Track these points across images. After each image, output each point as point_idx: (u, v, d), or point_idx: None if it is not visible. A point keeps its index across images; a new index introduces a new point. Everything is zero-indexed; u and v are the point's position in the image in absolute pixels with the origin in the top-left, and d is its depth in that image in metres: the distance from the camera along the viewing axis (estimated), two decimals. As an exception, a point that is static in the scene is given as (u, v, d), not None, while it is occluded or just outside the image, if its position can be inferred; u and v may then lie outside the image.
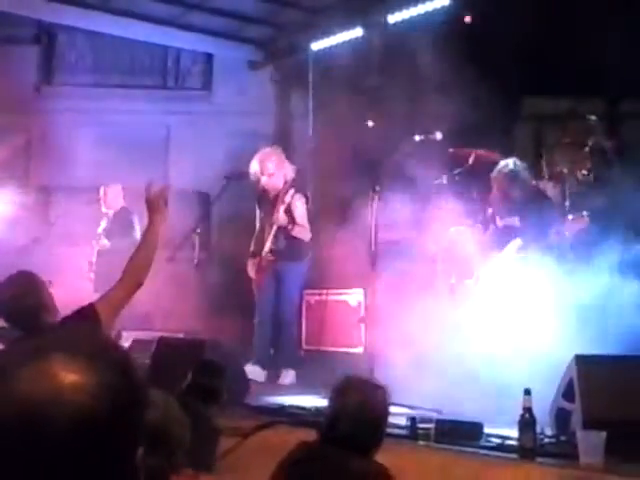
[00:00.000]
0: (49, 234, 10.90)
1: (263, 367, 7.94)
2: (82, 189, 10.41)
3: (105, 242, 9.25)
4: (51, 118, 11.31)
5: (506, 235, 7.23)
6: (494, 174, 7.33)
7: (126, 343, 7.11)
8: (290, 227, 7.93)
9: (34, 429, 1.20)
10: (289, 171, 8.10)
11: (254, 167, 8.05)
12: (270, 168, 8.00)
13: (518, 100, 10.06)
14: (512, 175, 7.23)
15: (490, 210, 7.52)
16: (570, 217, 6.84)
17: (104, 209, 9.59)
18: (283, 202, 7.93)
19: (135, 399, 1.29)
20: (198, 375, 4.54)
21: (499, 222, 7.40)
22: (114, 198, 9.57)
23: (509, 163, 7.30)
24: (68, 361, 1.24)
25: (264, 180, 8.03)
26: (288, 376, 7.94)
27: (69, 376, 1.23)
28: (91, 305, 4.00)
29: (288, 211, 7.93)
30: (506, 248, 7.17)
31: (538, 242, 6.93)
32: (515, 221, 7.24)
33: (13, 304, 4.03)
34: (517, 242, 7.13)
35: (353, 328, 8.48)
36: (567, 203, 7.17)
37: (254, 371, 7.71)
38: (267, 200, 8.16)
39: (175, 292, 8.60)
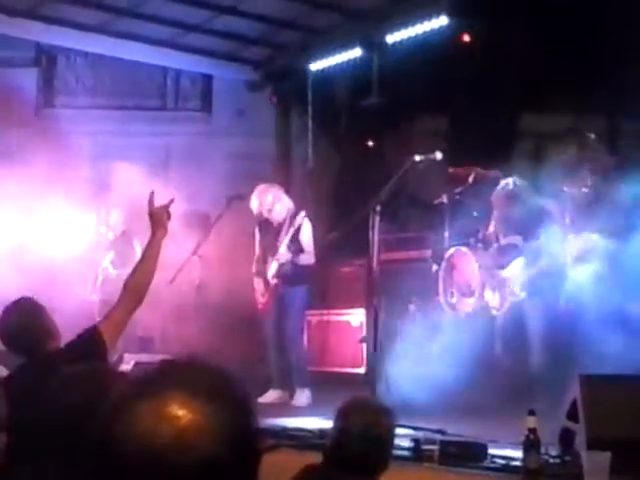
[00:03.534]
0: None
1: (283, 389, 7.97)
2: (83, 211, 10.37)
3: (112, 271, 9.15)
4: (51, 140, 11.31)
5: (509, 254, 7.28)
6: (494, 194, 7.40)
7: (128, 366, 7.06)
8: (296, 258, 7.93)
9: (157, 472, 1.15)
10: (288, 204, 8.15)
11: (254, 204, 8.12)
12: (269, 204, 8.06)
13: (517, 117, 10.06)
14: (512, 194, 7.32)
15: (492, 229, 7.55)
16: (571, 236, 6.87)
17: (103, 230, 9.54)
18: (292, 225, 7.94)
19: (254, 439, 1.24)
20: None
21: (502, 240, 7.44)
22: (116, 221, 9.52)
23: (509, 183, 7.38)
24: (186, 401, 1.18)
25: (265, 214, 8.09)
26: (303, 396, 7.88)
27: (190, 418, 1.17)
28: (94, 327, 3.95)
29: (296, 238, 7.93)
30: (509, 266, 7.21)
31: (540, 260, 6.99)
32: (517, 240, 7.28)
33: (17, 332, 3.97)
34: (520, 260, 7.17)
35: (355, 348, 8.46)
36: (567, 221, 7.18)
37: (275, 395, 7.88)
38: (269, 227, 8.17)
39: (176, 314, 8.56)
